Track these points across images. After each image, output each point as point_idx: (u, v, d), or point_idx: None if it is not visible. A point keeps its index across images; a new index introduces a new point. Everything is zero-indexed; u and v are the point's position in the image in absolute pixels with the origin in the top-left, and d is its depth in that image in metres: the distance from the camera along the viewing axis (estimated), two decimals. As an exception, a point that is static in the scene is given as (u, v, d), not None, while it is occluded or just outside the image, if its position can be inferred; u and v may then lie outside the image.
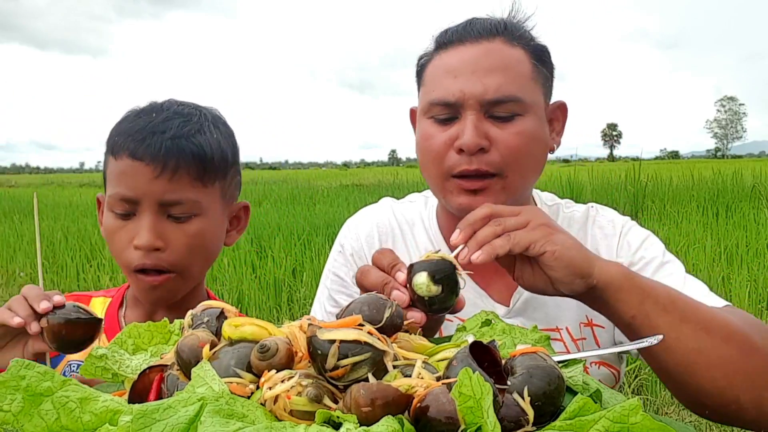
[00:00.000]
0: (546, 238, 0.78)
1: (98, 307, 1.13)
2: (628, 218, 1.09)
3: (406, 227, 1.12)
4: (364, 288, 0.78)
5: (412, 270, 0.73)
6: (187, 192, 0.96)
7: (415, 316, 0.71)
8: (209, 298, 1.11)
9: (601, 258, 0.81)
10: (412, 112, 1.11)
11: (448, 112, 0.97)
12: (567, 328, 1.03)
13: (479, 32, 0.98)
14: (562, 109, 1.06)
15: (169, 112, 1.00)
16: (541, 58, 1.00)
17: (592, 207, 1.10)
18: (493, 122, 0.95)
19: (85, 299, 1.15)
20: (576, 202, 1.15)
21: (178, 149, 0.96)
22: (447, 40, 1.00)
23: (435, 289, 0.71)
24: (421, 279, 0.71)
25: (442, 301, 0.72)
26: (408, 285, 0.72)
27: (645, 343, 0.74)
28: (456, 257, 0.76)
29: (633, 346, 0.72)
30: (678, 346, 0.77)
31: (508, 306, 1.04)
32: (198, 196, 0.97)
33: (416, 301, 0.72)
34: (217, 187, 1.01)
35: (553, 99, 1.05)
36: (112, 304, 1.12)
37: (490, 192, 0.95)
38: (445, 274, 0.71)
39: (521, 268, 0.83)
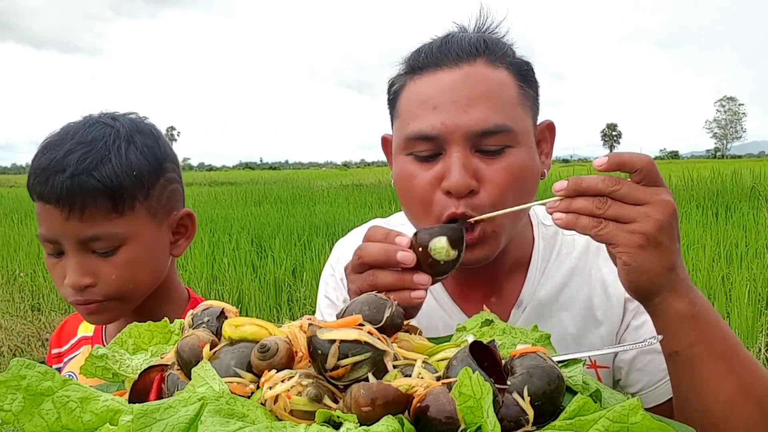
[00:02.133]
0: (631, 247, 0.70)
1: (90, 325, 1.15)
2: None
3: None
4: (367, 265, 0.75)
5: (420, 236, 0.74)
6: (104, 226, 0.93)
7: (422, 278, 0.72)
8: (189, 297, 1.11)
9: (675, 289, 0.73)
10: (385, 141, 1.01)
11: (429, 148, 0.86)
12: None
13: (457, 54, 0.87)
14: (550, 128, 0.98)
15: (72, 143, 0.94)
16: (526, 78, 0.91)
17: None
18: (481, 157, 0.85)
19: (75, 320, 1.18)
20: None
21: (80, 188, 0.91)
22: (421, 64, 0.89)
23: (453, 254, 0.73)
24: (441, 243, 0.72)
25: (453, 265, 0.73)
26: (417, 249, 0.73)
27: (645, 343, 0.74)
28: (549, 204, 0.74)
29: (633, 346, 0.72)
30: (715, 396, 0.73)
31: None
32: (117, 228, 0.94)
33: (424, 264, 0.73)
34: (141, 209, 0.97)
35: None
36: None
37: (483, 240, 0.86)
38: (460, 239, 0.73)
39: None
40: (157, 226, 1.00)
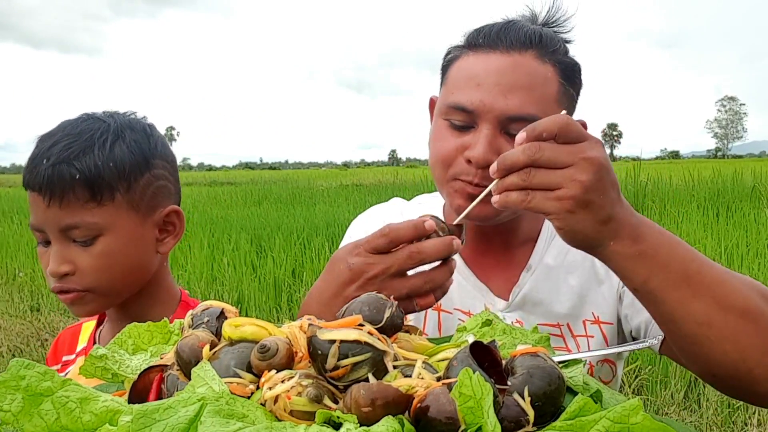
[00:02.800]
0: (561, 213, 0.72)
1: (87, 330, 1.16)
2: None
3: None
4: (394, 243, 0.77)
5: (456, 226, 0.82)
6: (82, 215, 0.95)
7: (458, 243, 0.78)
8: (180, 299, 1.11)
9: (615, 235, 0.74)
10: (432, 102, 1.07)
11: (464, 119, 0.94)
12: (568, 324, 1.03)
13: (512, 41, 0.93)
14: (583, 127, 1.03)
15: (61, 135, 0.98)
16: (570, 77, 0.96)
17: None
18: (507, 139, 0.92)
19: (77, 327, 1.18)
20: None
21: (59, 176, 0.94)
22: (478, 43, 0.96)
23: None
24: (462, 243, 0.81)
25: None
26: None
27: (645, 343, 0.74)
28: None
29: (632, 347, 0.72)
30: (686, 319, 0.74)
31: (507, 300, 1.04)
32: (95, 217, 0.96)
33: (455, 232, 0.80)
34: (120, 201, 0.98)
35: None
36: (96, 326, 1.15)
37: (489, 203, 0.91)
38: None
39: None
40: (139, 221, 1.01)
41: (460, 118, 0.94)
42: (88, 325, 1.16)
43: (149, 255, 1.03)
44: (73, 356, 1.14)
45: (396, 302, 0.63)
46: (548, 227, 1.08)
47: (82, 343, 1.14)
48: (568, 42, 1.01)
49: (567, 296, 1.04)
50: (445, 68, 1.01)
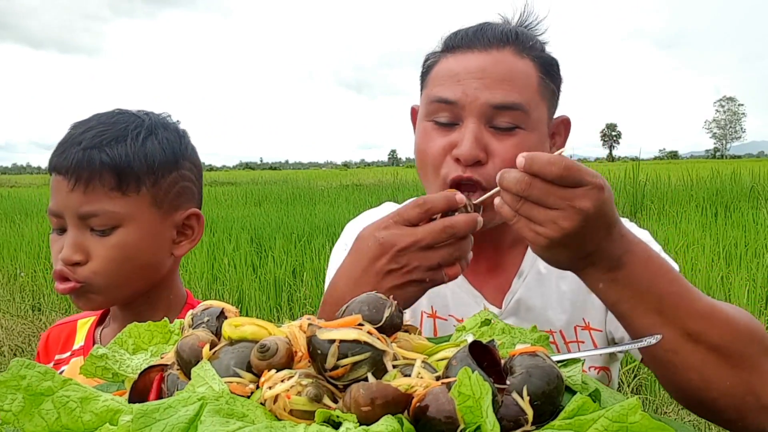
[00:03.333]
0: (537, 245, 0.74)
1: (83, 328, 1.14)
2: (626, 220, 1.10)
3: None
4: (428, 214, 0.79)
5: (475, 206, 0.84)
6: (104, 203, 0.95)
7: (480, 219, 0.80)
8: (186, 302, 1.10)
9: (592, 265, 0.76)
10: (413, 111, 1.08)
11: (448, 114, 0.94)
12: (561, 332, 1.03)
13: (489, 40, 0.95)
14: (565, 123, 1.04)
15: (92, 123, 0.98)
16: (549, 72, 0.97)
17: None
18: (493, 133, 0.92)
19: (71, 324, 1.16)
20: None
21: (89, 160, 0.94)
22: (455, 44, 0.97)
23: None
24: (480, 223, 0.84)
25: None
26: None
27: (644, 343, 0.74)
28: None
29: (631, 346, 0.72)
30: (655, 345, 0.74)
31: (500, 307, 1.04)
32: (116, 207, 0.95)
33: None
34: (145, 195, 0.98)
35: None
36: (93, 322, 1.13)
37: (484, 208, 0.89)
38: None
39: None
40: (160, 218, 1.00)
41: (445, 114, 0.94)
42: (84, 323, 1.14)
43: (163, 255, 1.02)
44: (67, 354, 1.12)
45: (395, 302, 0.63)
46: None
47: (79, 341, 1.12)
48: (544, 43, 1.01)
49: (559, 302, 1.03)
50: (425, 74, 1.02)
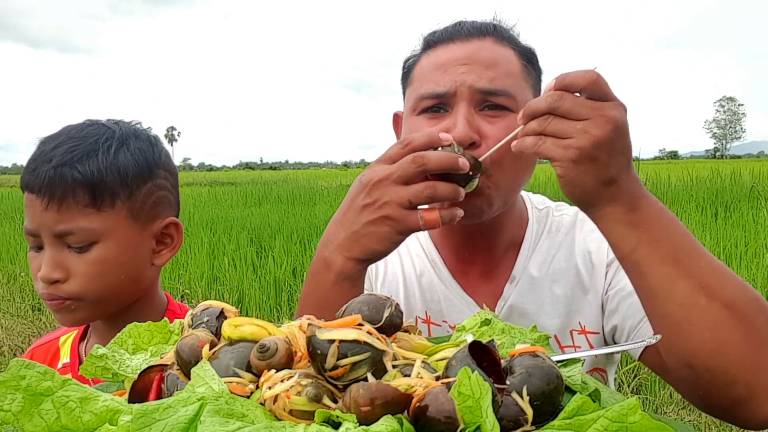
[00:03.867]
0: (565, 161, 0.73)
1: (66, 344, 1.12)
2: None
3: None
4: (426, 172, 0.79)
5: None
6: (79, 221, 0.94)
7: (463, 161, 0.79)
8: (167, 308, 1.10)
9: (614, 200, 0.75)
10: (396, 117, 1.07)
11: (438, 103, 0.93)
12: (555, 336, 1.02)
13: (469, 31, 0.96)
14: None
15: (64, 138, 0.97)
16: (530, 60, 0.98)
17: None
18: (484, 116, 0.92)
19: (53, 342, 1.14)
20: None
21: (61, 178, 0.93)
22: (436, 39, 0.98)
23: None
24: (474, 184, 0.83)
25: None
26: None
27: (644, 343, 0.74)
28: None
29: (631, 346, 0.72)
30: (669, 298, 0.73)
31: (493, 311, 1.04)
32: (92, 223, 0.94)
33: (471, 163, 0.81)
34: (121, 208, 0.97)
35: None
36: (75, 338, 1.12)
37: (480, 191, 0.90)
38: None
39: None
40: (138, 230, 0.99)
41: (434, 103, 0.93)
42: (66, 338, 1.13)
43: (144, 266, 1.01)
44: (58, 366, 1.10)
45: (395, 302, 0.63)
46: (531, 234, 1.06)
47: (64, 358, 1.10)
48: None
49: (553, 307, 1.02)
50: (407, 74, 1.01)
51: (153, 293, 1.07)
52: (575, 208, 1.08)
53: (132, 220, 0.98)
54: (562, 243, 1.05)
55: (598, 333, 1.02)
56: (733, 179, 9.87)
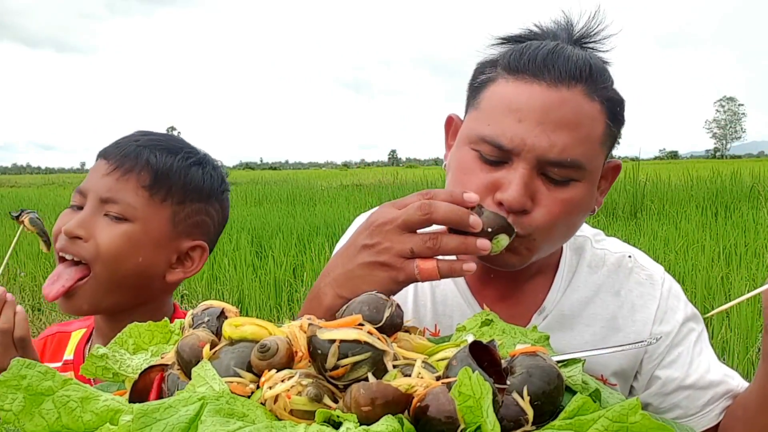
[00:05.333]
0: None
1: (75, 339, 1.13)
2: (662, 269, 1.02)
3: None
4: (430, 223, 0.73)
5: (487, 218, 0.74)
6: (129, 195, 0.98)
7: (484, 244, 0.72)
8: (173, 317, 1.10)
9: None
10: (450, 120, 0.97)
11: (498, 155, 0.83)
12: (602, 376, 0.99)
13: (560, 73, 0.82)
14: (615, 169, 0.96)
15: (159, 134, 1.06)
16: (616, 116, 0.87)
17: (630, 256, 1.01)
18: (543, 181, 0.83)
19: (67, 335, 1.14)
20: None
21: (136, 155, 1.00)
22: (520, 67, 0.84)
23: (500, 250, 0.76)
24: (504, 241, 0.76)
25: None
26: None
27: (644, 343, 0.75)
28: None
29: (632, 346, 0.73)
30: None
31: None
32: (138, 203, 0.98)
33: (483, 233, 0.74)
34: (168, 207, 1.01)
35: None
36: (83, 336, 1.12)
37: (517, 251, 0.85)
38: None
39: None
40: (169, 236, 1.02)
41: (494, 153, 0.83)
42: (77, 334, 1.13)
43: (156, 270, 1.02)
44: (58, 364, 1.10)
45: (396, 302, 0.63)
46: (565, 263, 1.00)
47: (69, 354, 1.11)
48: (606, 63, 0.91)
49: (580, 349, 0.95)
50: (477, 90, 0.89)
51: (161, 303, 1.08)
52: (619, 245, 1.03)
53: (170, 224, 1.02)
54: (603, 285, 0.99)
55: (616, 385, 0.98)
56: (733, 179, 9.87)
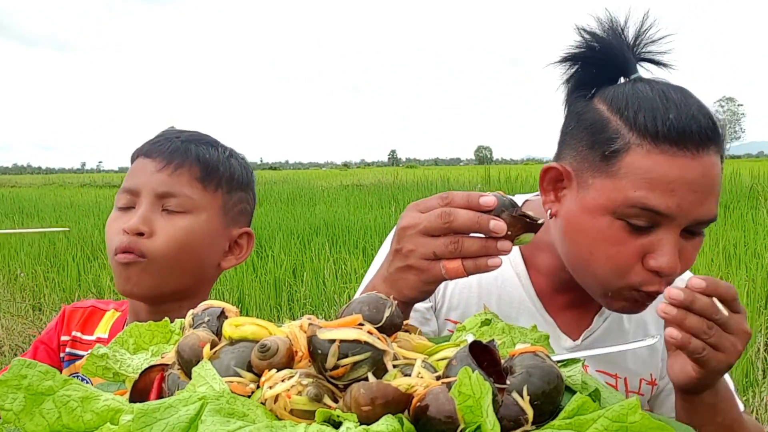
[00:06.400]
0: (713, 372, 0.78)
1: (109, 319, 1.13)
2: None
3: None
4: (453, 230, 0.73)
5: (512, 221, 0.73)
6: (184, 187, 1.01)
7: (506, 245, 0.73)
8: None
9: (713, 387, 0.83)
10: (556, 171, 0.92)
11: (648, 222, 0.84)
12: (625, 379, 1.03)
13: (697, 140, 0.83)
14: None
15: (190, 132, 1.09)
16: (722, 157, 0.89)
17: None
18: (686, 237, 0.86)
19: (97, 311, 1.15)
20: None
21: (184, 150, 1.03)
22: (661, 134, 0.83)
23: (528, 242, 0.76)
24: (529, 238, 0.74)
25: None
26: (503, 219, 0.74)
27: (645, 342, 0.75)
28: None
29: (632, 346, 0.73)
30: None
31: (576, 340, 1.02)
32: (194, 195, 1.02)
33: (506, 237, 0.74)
34: (219, 197, 1.05)
35: None
36: (118, 320, 1.13)
37: (643, 303, 0.89)
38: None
39: (674, 359, 0.83)
40: (222, 225, 1.06)
41: (645, 221, 0.84)
42: (111, 315, 1.14)
43: (213, 259, 1.06)
44: (91, 337, 1.11)
45: (396, 302, 0.63)
46: None
47: (102, 332, 1.11)
48: (666, 66, 0.93)
49: (633, 353, 1.03)
50: (609, 158, 0.86)
51: (205, 293, 1.10)
52: None
53: (222, 214, 1.05)
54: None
55: (657, 384, 1.06)
56: (732, 179, 9.87)
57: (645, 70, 0.93)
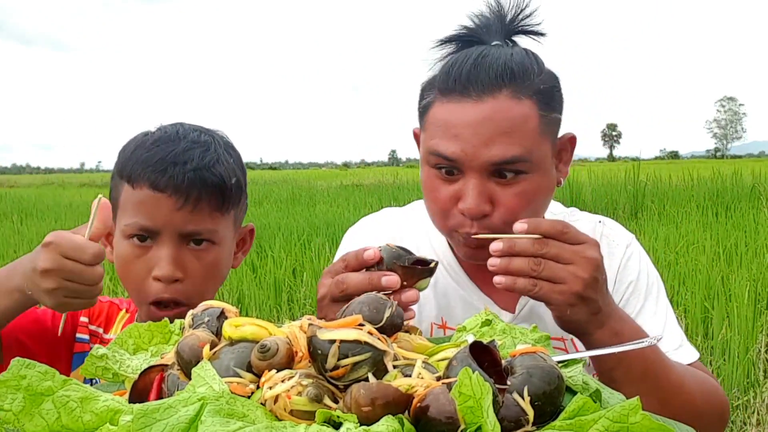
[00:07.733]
0: (563, 305, 0.79)
1: (121, 321, 1.11)
2: (632, 237, 1.08)
3: (412, 245, 0.98)
4: (350, 296, 0.76)
5: (406, 271, 0.79)
6: (207, 222, 0.97)
7: (412, 296, 0.78)
8: None
9: (601, 325, 0.83)
10: (416, 135, 1.04)
11: (449, 165, 0.90)
12: (572, 340, 1.02)
13: (483, 85, 0.88)
14: (571, 141, 1.02)
15: (187, 141, 0.99)
16: (550, 103, 0.92)
17: (600, 222, 1.08)
18: (497, 181, 0.89)
19: (117, 309, 1.12)
20: (575, 202, 1.14)
21: (200, 181, 0.95)
22: (449, 88, 0.90)
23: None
24: (426, 283, 0.81)
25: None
26: (397, 268, 0.79)
27: (645, 342, 0.75)
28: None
29: (632, 346, 0.73)
30: None
31: (513, 312, 1.03)
32: (216, 226, 0.98)
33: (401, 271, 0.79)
34: (232, 214, 1.02)
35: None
36: (128, 322, 1.10)
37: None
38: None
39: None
40: (233, 234, 1.04)
41: (445, 164, 0.91)
42: (123, 316, 1.12)
43: (229, 269, 1.06)
44: (109, 336, 1.09)
45: (396, 302, 0.63)
46: None
47: (114, 332, 1.09)
48: (541, 34, 0.97)
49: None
50: (422, 112, 0.97)
51: (211, 296, 1.08)
52: (591, 219, 1.10)
53: (233, 226, 1.03)
54: None
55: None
56: (733, 179, 9.87)
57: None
